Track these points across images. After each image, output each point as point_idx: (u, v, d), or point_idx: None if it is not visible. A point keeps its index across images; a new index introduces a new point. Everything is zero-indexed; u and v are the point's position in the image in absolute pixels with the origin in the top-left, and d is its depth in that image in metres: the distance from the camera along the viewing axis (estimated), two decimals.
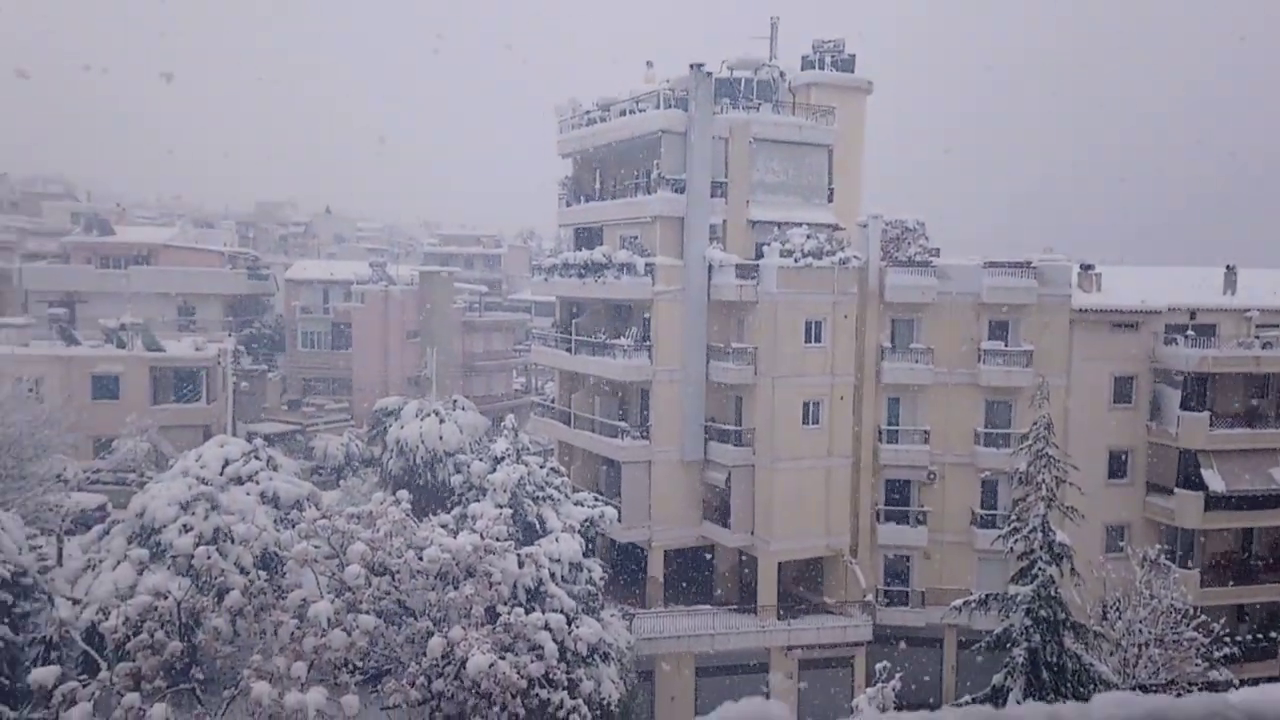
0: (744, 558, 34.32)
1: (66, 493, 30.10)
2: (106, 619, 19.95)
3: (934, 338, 34.12)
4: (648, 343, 33.35)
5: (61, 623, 20.38)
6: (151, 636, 18.36)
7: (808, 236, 32.79)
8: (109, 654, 19.41)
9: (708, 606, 33.24)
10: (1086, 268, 36.18)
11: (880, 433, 34.48)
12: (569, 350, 36.74)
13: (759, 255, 33.11)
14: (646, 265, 32.81)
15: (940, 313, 34.05)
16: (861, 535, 34.49)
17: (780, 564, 33.01)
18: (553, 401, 40.26)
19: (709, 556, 35.17)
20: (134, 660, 18.04)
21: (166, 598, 19.30)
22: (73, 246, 56.92)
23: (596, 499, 31.28)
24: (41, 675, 17.39)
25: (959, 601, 26.64)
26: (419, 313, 57.07)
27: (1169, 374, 34.82)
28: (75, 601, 22.42)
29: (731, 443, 33.00)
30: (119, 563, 22.66)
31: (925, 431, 34.25)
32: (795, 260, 32.07)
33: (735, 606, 33.36)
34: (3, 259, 58.37)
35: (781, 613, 32.93)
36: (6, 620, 21.08)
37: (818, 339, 32.58)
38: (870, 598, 33.52)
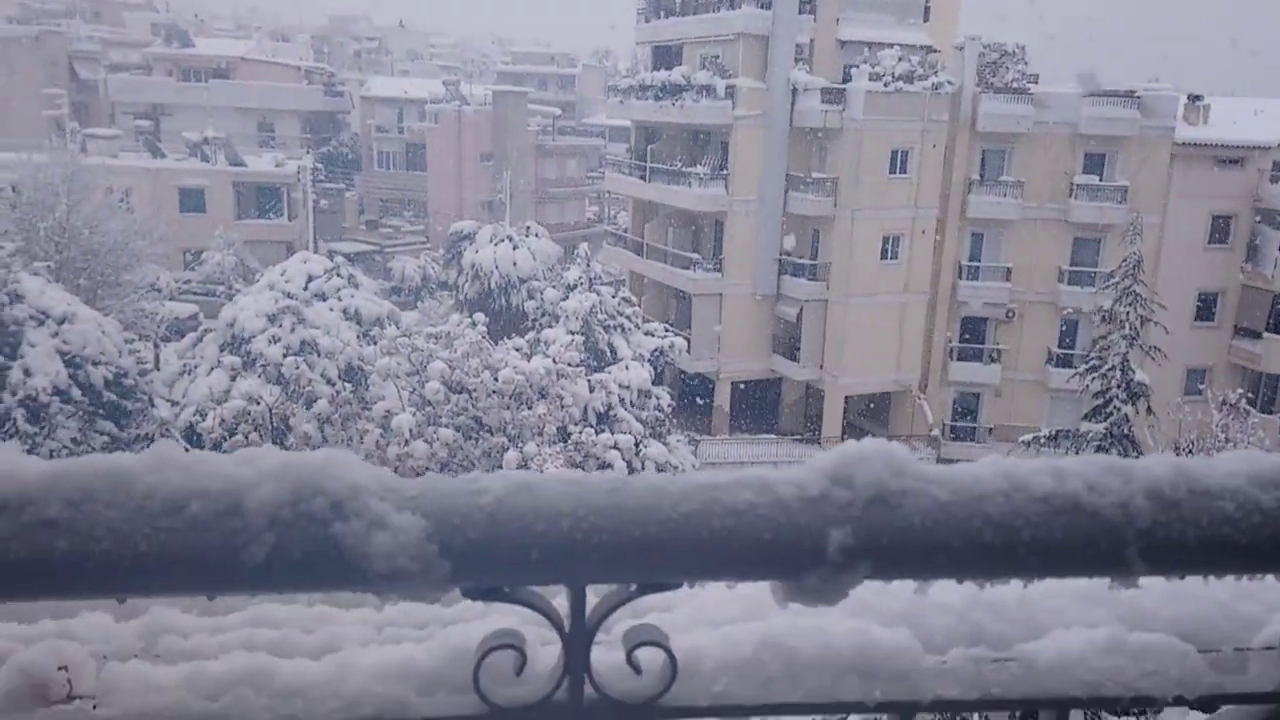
0: (811, 391, 34.61)
1: (160, 301, 31.52)
2: (204, 420, 21.30)
3: (1025, 171, 32.58)
4: (724, 171, 32.57)
5: (162, 422, 21.77)
6: (245, 438, 19.57)
7: (899, 59, 31.04)
8: (206, 450, 20.76)
9: (771, 436, 33.91)
10: (1194, 99, 33.69)
11: (960, 269, 33.63)
12: (643, 178, 36.14)
13: (846, 79, 31.56)
14: (727, 88, 31.59)
15: (1034, 144, 32.34)
16: (932, 372, 34.35)
17: (847, 398, 33.24)
18: (625, 231, 40.03)
19: (775, 389, 35.56)
20: None
21: (259, 403, 20.41)
22: (154, 58, 56.97)
23: (666, 330, 31.57)
24: None
25: (1028, 437, 26.64)
26: (492, 135, 56.40)
27: (1272, 214, 32.89)
28: (173, 403, 23.86)
29: (805, 277, 32.61)
30: (212, 369, 23.90)
31: (1007, 268, 33.30)
32: (885, 84, 30.52)
33: (799, 437, 33.96)
34: (88, 69, 58.89)
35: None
36: (112, 418, 22.62)
37: (903, 169, 31.40)
38: (936, 432, 33.74)
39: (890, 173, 31.25)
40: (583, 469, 21.54)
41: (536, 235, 35.07)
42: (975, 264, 33.68)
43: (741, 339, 33.77)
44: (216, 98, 52.03)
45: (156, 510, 0.63)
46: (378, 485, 0.66)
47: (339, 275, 27.95)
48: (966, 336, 34.39)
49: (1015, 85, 32.34)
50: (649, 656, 0.73)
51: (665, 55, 36.25)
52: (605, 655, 0.73)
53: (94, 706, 0.81)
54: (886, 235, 31.74)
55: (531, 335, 26.27)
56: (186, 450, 0.74)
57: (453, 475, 0.67)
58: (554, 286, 29.79)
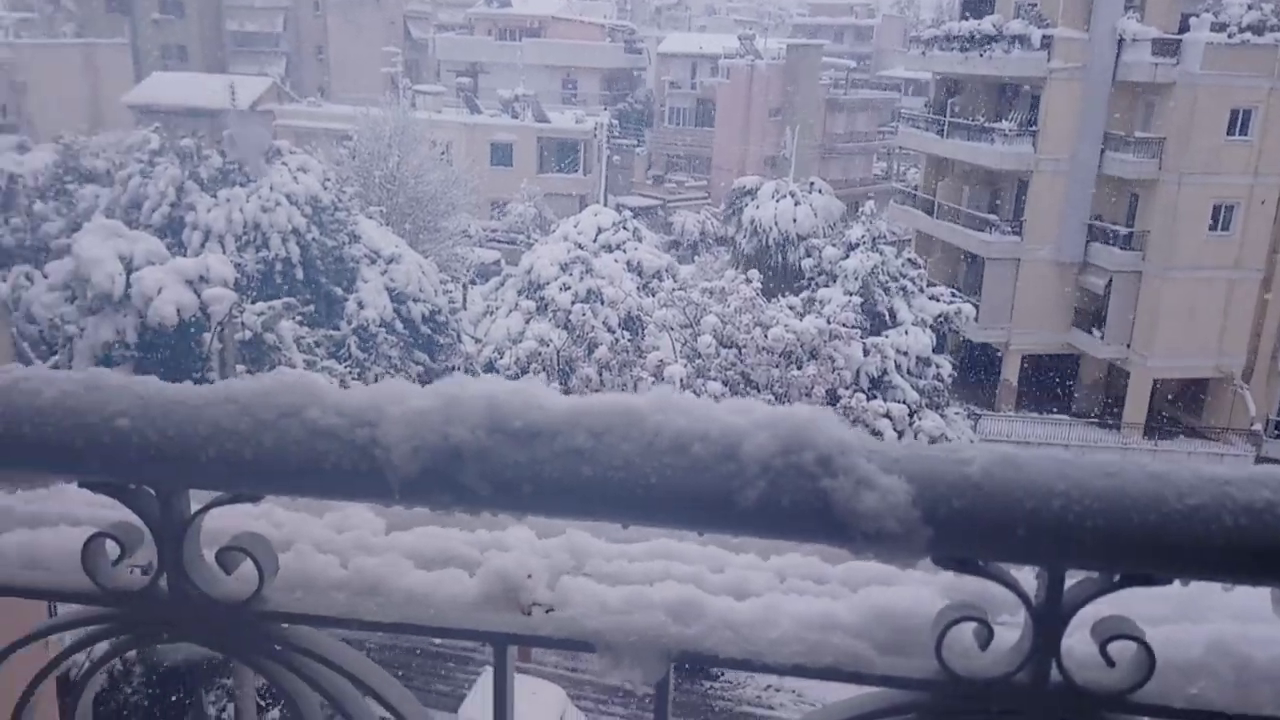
0: (1113, 371, 31.69)
1: (470, 247, 34.38)
2: (501, 358, 23.11)
3: None
4: (1033, 127, 30.25)
5: (467, 356, 23.92)
6: (535, 376, 21.01)
7: (1248, 7, 27.16)
8: None
9: (1063, 417, 31.49)
10: None
11: None
12: (940, 133, 34.36)
13: (1183, 29, 28.09)
14: (1043, 38, 29.17)
15: None
16: (1260, 359, 30.30)
17: (1155, 381, 30.13)
18: (915, 189, 38.35)
19: (1072, 366, 32.89)
20: None
21: (548, 345, 21.83)
22: (476, 18, 61.38)
23: (954, 295, 30.06)
24: None
25: None
26: (783, 90, 55.80)
27: None
28: (477, 340, 26.08)
29: (1118, 245, 29.73)
30: (510, 311, 25.80)
31: None
32: (1229, 35, 26.86)
33: (1095, 420, 31.28)
34: (419, 29, 64.68)
35: (1149, 432, 30.39)
36: (426, 350, 25.13)
37: (1243, 131, 27.64)
38: (1258, 427, 29.83)
39: (1228, 135, 27.64)
40: None
41: (820, 191, 34.43)
42: None
43: (1037, 309, 31.45)
44: (527, 56, 55.33)
45: (664, 448, 0.68)
46: (862, 446, 0.68)
47: (625, 229, 29.13)
48: None
49: None
50: (1119, 649, 0.70)
51: (975, 3, 34.01)
52: (1070, 642, 0.71)
53: (547, 612, 0.90)
54: (1218, 204, 28.18)
55: (806, 294, 25.98)
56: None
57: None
58: (834, 244, 29.21)
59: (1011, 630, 0.74)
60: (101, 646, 0.91)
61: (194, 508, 0.81)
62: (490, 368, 24.29)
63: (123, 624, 0.83)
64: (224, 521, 0.88)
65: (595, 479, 0.69)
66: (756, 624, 0.86)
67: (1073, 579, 0.70)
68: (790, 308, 24.24)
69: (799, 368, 21.97)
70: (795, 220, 32.87)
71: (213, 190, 22.85)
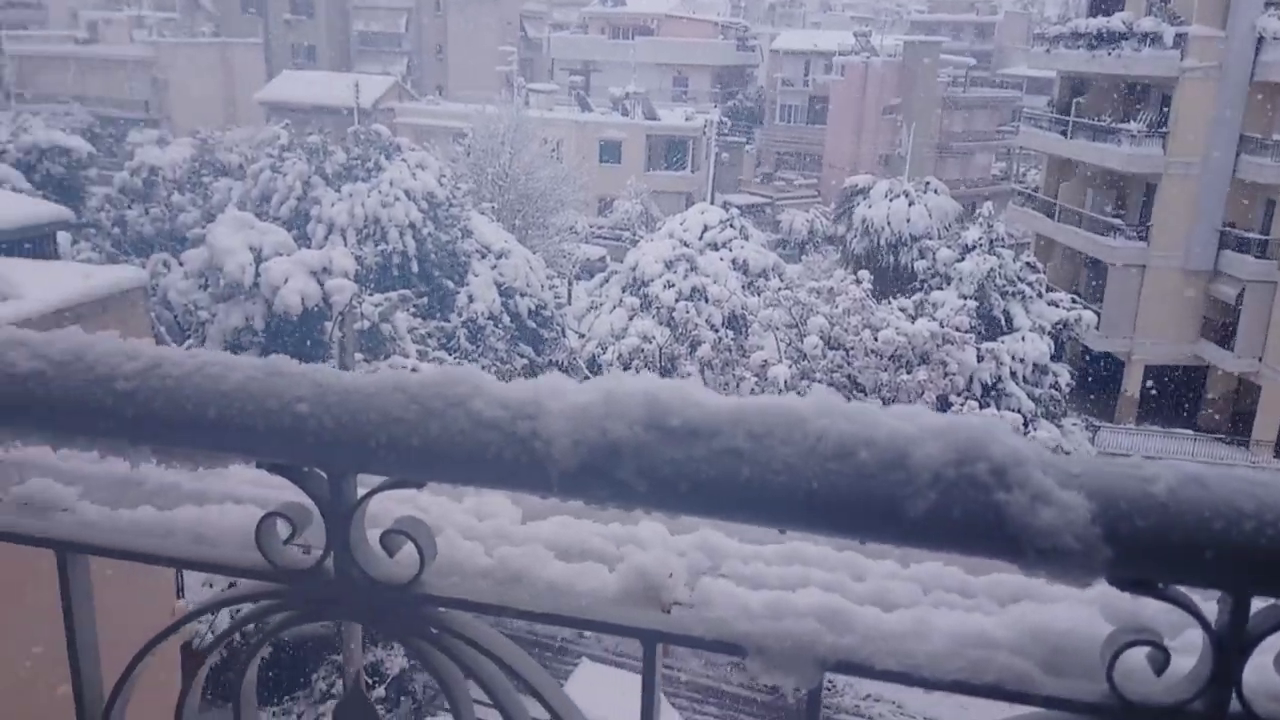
0: (1244, 386, 29.93)
1: (577, 243, 34.79)
2: (604, 353, 23.33)
3: None
4: (1163, 128, 28.81)
5: (571, 351, 24.24)
6: (637, 373, 21.12)
7: None
8: None
9: (1188, 432, 29.91)
10: None
11: None
12: (1063, 133, 33.07)
13: None
14: (1176, 36, 27.76)
15: None
16: None
17: None
18: (1035, 190, 37.02)
19: (1199, 379, 31.21)
20: None
21: (651, 342, 21.91)
22: (590, 17, 62.09)
23: (1074, 301, 28.90)
24: None
25: None
26: (898, 87, 54.63)
27: None
28: (580, 335, 26.38)
29: (1252, 253, 28.05)
30: (614, 308, 26.01)
31: None
32: None
33: (1223, 437, 29.61)
34: (535, 28, 65.78)
35: None
36: (531, 343, 25.56)
37: None
38: None
39: None
40: None
41: (935, 191, 33.58)
42: None
43: (1163, 318, 29.96)
44: (639, 54, 55.67)
45: (828, 453, 0.67)
46: (1038, 458, 0.66)
47: (731, 226, 29.01)
48: None
49: None
50: None
51: (1104, 1, 32.62)
52: (1246, 673, 0.67)
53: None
54: None
55: (918, 296, 25.40)
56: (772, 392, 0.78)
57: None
58: (949, 246, 28.44)
59: (1183, 657, 0.71)
60: (223, 619, 0.96)
61: (359, 492, 0.84)
62: (593, 363, 24.54)
63: (290, 600, 0.87)
64: (375, 505, 0.91)
65: (754, 481, 0.69)
66: (908, 636, 0.84)
67: (1256, 605, 0.67)
68: (901, 310, 23.72)
69: (909, 372, 21.48)
70: (909, 220, 32.11)
71: (337, 185, 23.75)
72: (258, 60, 55.27)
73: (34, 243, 12.27)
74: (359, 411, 0.77)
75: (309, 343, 16.61)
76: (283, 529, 0.85)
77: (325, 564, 0.84)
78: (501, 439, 0.76)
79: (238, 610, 1.03)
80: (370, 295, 18.94)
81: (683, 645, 0.84)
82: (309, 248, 19.17)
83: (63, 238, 17.73)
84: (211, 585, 11.85)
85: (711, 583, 0.92)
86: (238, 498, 1.09)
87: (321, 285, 16.09)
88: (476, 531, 1.12)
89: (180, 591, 9.12)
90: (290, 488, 0.85)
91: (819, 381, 21.62)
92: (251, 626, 0.95)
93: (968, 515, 0.65)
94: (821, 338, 22.19)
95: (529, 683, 0.86)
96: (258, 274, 16.01)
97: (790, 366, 21.67)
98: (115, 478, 1.17)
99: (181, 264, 19.74)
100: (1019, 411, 21.75)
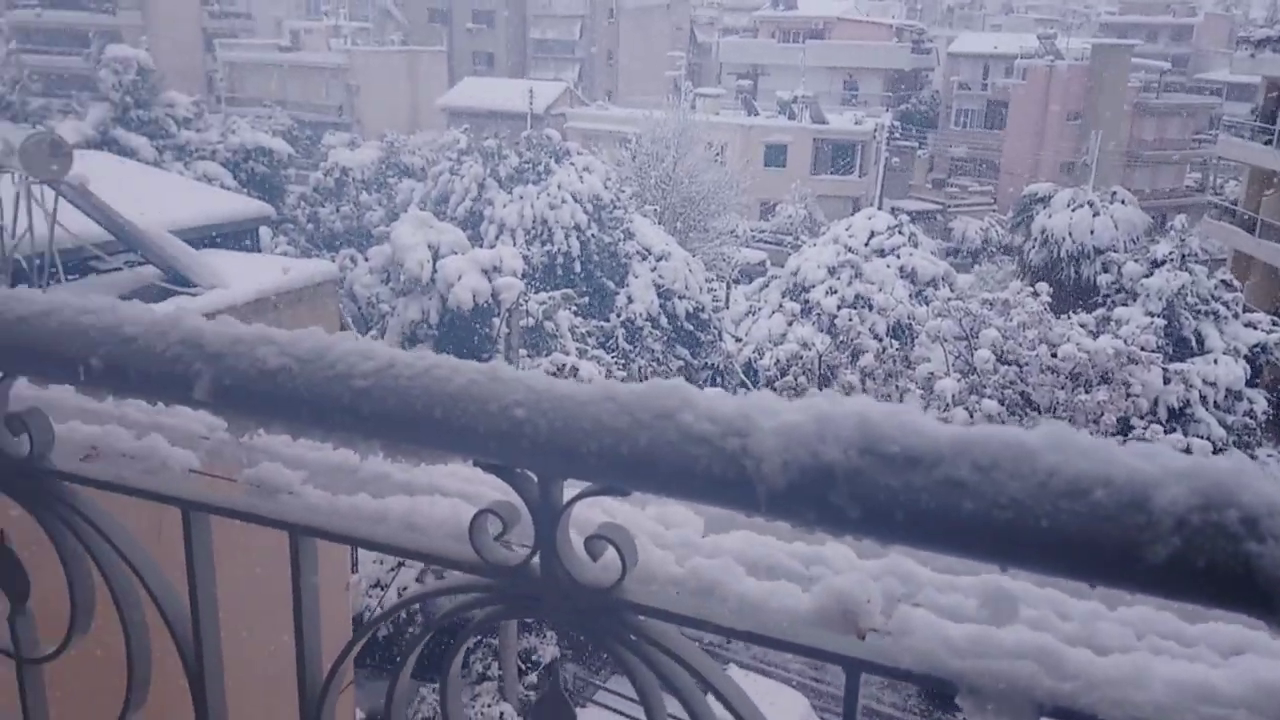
0: None
1: (737, 247, 34.70)
2: (761, 358, 23.16)
3: None
4: None
5: (727, 355, 24.19)
6: (795, 380, 20.87)
7: None
8: (761, 387, 22.63)
9: None
10: None
11: None
12: (1269, 143, 30.44)
13: None
14: None
15: None
16: None
17: None
18: (1234, 203, 34.20)
19: None
20: (779, 396, 20.79)
21: (810, 349, 21.59)
22: (761, 21, 61.83)
23: (1274, 323, 26.56)
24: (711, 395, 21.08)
25: None
26: (1085, 92, 51.72)
27: None
28: (738, 339, 26.29)
29: None
30: (774, 313, 25.79)
31: None
32: None
33: None
34: (704, 33, 66.09)
35: None
36: (687, 345, 25.68)
37: None
38: None
39: None
40: None
41: (1122, 202, 31.60)
42: None
43: None
44: (809, 57, 55.01)
45: (1060, 490, 0.64)
46: None
47: (900, 233, 28.21)
48: None
49: None
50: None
51: None
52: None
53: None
54: None
55: (1101, 312, 24.04)
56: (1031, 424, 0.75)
57: None
58: (1136, 260, 26.73)
59: None
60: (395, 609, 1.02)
61: (567, 495, 0.87)
62: (749, 368, 24.41)
63: (498, 595, 0.91)
64: (575, 509, 0.94)
65: (977, 515, 0.66)
66: (1126, 684, 0.79)
67: None
68: (1081, 326, 22.48)
69: (1087, 391, 20.31)
70: (1092, 232, 30.36)
71: (509, 187, 24.62)
72: (441, 67, 58.02)
73: (240, 236, 13.33)
74: (572, 419, 0.79)
75: (477, 337, 17.29)
76: (493, 526, 0.89)
77: (532, 563, 0.88)
78: (710, 454, 0.76)
79: (404, 589, 1.09)
80: (535, 293, 19.53)
81: (887, 676, 0.82)
82: (481, 246, 19.96)
83: (264, 231, 19.15)
84: (381, 563, 12.51)
85: (911, 611, 0.90)
86: (444, 490, 1.15)
87: (491, 283, 16.72)
88: (665, 540, 1.14)
89: (355, 566, 9.66)
90: (498, 486, 0.89)
91: (989, 398, 20.71)
92: (417, 607, 1.01)
93: (1213, 566, 0.61)
94: (994, 352, 21.28)
95: (725, 697, 0.87)
96: (435, 270, 16.80)
97: (959, 380, 20.88)
98: (332, 464, 1.26)
99: (367, 259, 20.97)
100: (1208, 439, 20.18)
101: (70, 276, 10.19)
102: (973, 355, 21.53)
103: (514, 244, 22.57)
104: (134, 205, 10.67)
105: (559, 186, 24.05)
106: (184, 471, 1.20)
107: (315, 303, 11.76)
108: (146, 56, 31.53)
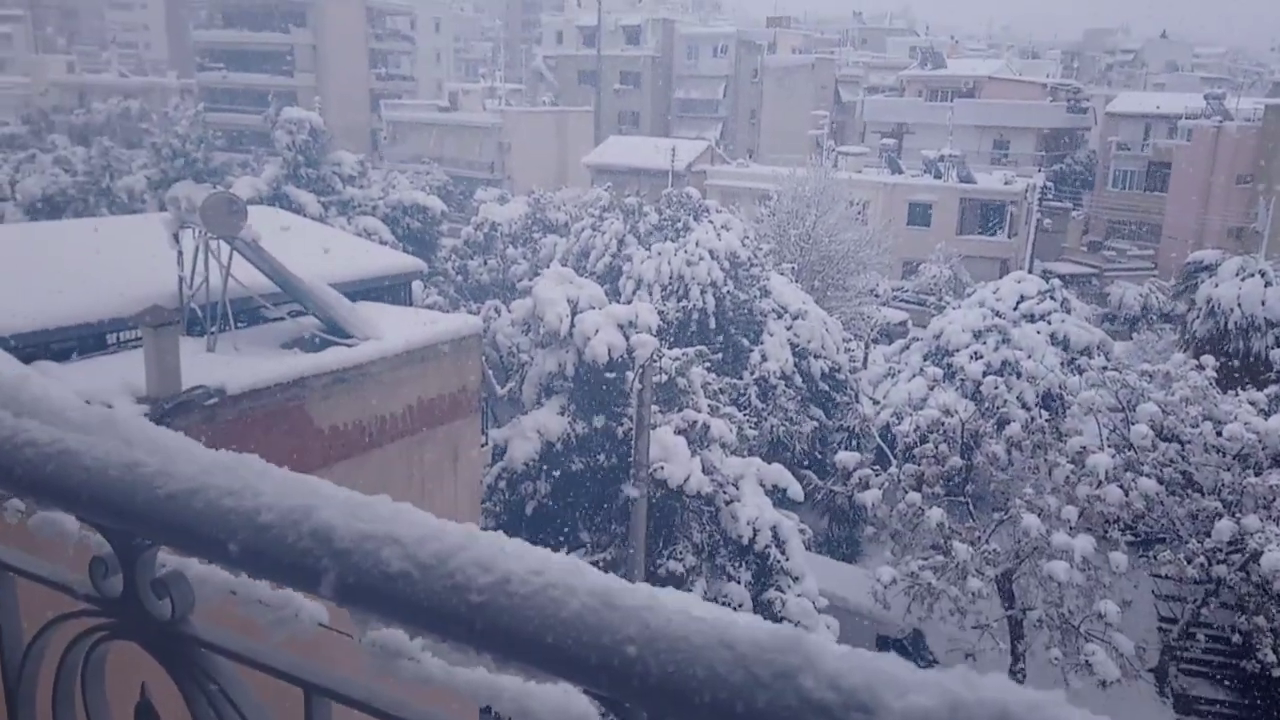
0: None
1: (876, 306, 34.06)
2: (900, 423, 22.48)
3: None
4: None
5: (863, 418, 23.59)
6: (936, 447, 20.11)
7: None
8: (898, 453, 21.91)
9: None
10: None
11: None
12: None
13: None
14: None
15: None
16: None
17: None
18: None
19: None
20: (918, 464, 20.06)
21: (953, 415, 20.81)
22: (907, 80, 61.30)
23: None
24: (845, 458, 20.55)
25: None
26: (1256, 154, 48.63)
27: None
28: (875, 402, 25.63)
29: None
30: (914, 376, 25.06)
31: None
32: None
33: None
34: (849, 92, 65.90)
35: None
36: (822, 406, 25.21)
37: None
38: None
39: None
40: None
41: None
42: None
43: None
44: (958, 116, 54.02)
45: None
46: None
47: (1052, 298, 27.07)
48: None
49: None
50: None
51: None
52: None
53: None
54: None
55: (1273, 389, 22.31)
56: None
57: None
58: None
59: None
60: None
61: None
62: (886, 432, 23.72)
63: None
64: None
65: None
66: None
67: None
68: (1252, 403, 20.93)
69: (1257, 474, 18.82)
70: (1264, 303, 28.31)
71: (647, 243, 25.01)
72: (588, 126, 59.93)
73: (395, 289, 14.03)
74: (685, 664, 0.76)
75: (612, 390, 17.48)
76: None
77: None
78: None
79: None
80: (670, 348, 19.64)
81: None
82: (619, 301, 20.29)
83: (415, 284, 20.07)
84: None
85: None
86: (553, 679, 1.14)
87: (627, 338, 16.92)
88: None
89: None
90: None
91: (1147, 476, 19.44)
92: None
93: None
94: (1152, 427, 20.04)
95: None
96: (573, 325, 17.16)
97: (1114, 455, 19.70)
98: None
99: (510, 311, 21.63)
100: None
101: (239, 325, 10.94)
102: (1129, 430, 20.34)
103: (651, 299, 22.83)
104: (300, 259, 11.40)
105: (697, 243, 24.27)
106: (313, 623, 1.23)
107: (459, 355, 12.22)
108: (318, 119, 33.85)
